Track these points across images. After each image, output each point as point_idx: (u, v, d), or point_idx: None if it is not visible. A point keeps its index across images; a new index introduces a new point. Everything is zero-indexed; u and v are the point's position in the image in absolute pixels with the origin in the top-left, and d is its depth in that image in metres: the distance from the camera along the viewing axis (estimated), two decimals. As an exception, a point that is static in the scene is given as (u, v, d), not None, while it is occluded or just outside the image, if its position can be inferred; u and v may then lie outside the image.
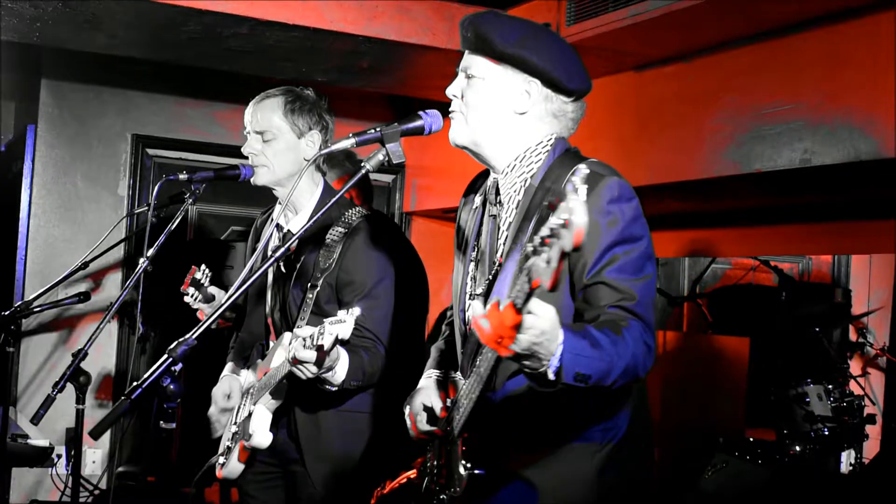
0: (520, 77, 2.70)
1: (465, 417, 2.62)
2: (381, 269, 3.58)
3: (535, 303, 2.09)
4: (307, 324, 3.48)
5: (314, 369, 3.17)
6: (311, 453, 3.60)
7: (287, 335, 3.55)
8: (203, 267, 4.12)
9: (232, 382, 3.81)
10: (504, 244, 2.71)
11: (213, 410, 3.82)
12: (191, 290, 4.10)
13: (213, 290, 4.13)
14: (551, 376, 2.22)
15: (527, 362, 2.22)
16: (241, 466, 3.65)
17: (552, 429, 2.65)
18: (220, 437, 3.82)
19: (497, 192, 2.79)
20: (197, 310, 4.16)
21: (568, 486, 2.64)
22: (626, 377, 2.38)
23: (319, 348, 3.03)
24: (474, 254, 2.86)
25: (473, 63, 2.75)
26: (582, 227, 1.87)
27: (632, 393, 2.67)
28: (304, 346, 3.08)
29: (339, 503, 3.59)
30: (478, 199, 2.91)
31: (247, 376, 3.81)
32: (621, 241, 2.50)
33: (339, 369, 3.29)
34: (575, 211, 1.87)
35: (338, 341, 3.02)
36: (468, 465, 2.61)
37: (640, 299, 2.47)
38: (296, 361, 3.15)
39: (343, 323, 2.98)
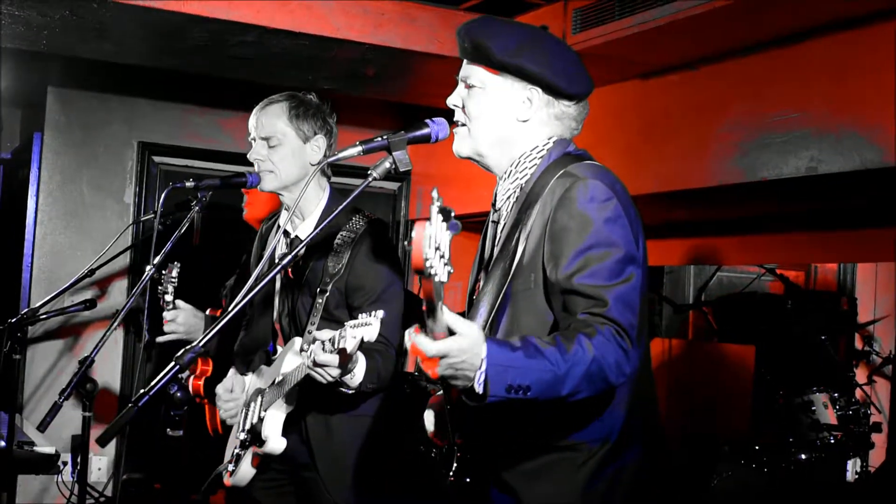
0: (520, 85, 2.69)
1: (449, 424, 2.62)
2: (389, 273, 3.60)
3: (455, 321, 2.13)
4: (317, 329, 3.48)
5: (336, 373, 3.16)
6: (323, 458, 3.60)
7: (297, 340, 3.56)
8: (177, 264, 4.15)
9: (234, 379, 3.82)
10: (496, 251, 2.71)
11: (220, 405, 3.83)
12: (168, 287, 4.14)
13: (179, 303, 4.19)
14: (479, 390, 2.23)
15: (456, 382, 2.24)
16: (253, 472, 3.64)
17: (535, 438, 2.62)
18: (226, 444, 3.83)
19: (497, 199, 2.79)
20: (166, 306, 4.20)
21: (554, 499, 2.60)
22: (593, 384, 2.34)
23: (342, 352, 3.02)
24: (480, 262, 2.86)
25: (472, 73, 2.74)
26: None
27: (627, 394, 2.59)
28: (325, 349, 3.08)
29: None
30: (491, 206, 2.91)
31: (251, 381, 3.81)
32: (594, 245, 2.47)
33: (358, 372, 3.29)
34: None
35: (361, 344, 3.01)
36: (455, 473, 2.61)
37: (613, 304, 2.41)
38: (316, 365, 3.14)
39: (368, 326, 2.96)
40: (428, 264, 1.98)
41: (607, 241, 2.48)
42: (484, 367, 2.20)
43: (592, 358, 2.31)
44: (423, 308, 2.11)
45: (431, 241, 1.99)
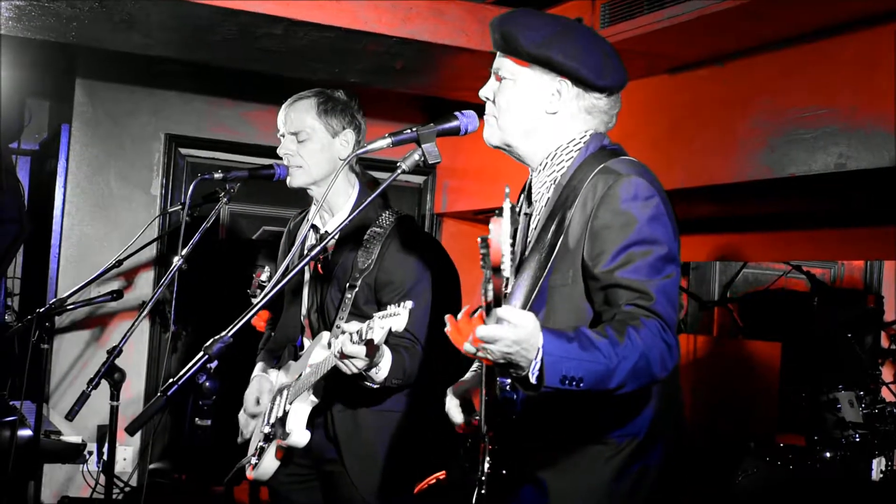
0: (549, 77, 2.69)
1: (483, 415, 2.62)
2: (419, 269, 3.60)
3: (509, 311, 2.12)
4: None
5: (362, 364, 3.18)
6: (350, 452, 3.61)
7: (325, 334, 3.57)
8: (266, 268, 4.14)
9: (262, 384, 3.83)
10: (530, 242, 2.71)
11: (242, 415, 3.85)
12: (257, 291, 4.13)
13: None
14: (533, 381, 2.23)
15: (511, 370, 2.25)
16: (277, 464, 3.65)
17: (568, 430, 2.63)
18: (249, 439, 3.84)
19: (530, 191, 2.79)
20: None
21: (580, 493, 2.61)
22: (638, 378, 2.35)
23: (369, 343, 3.05)
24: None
25: (503, 65, 2.75)
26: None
27: (657, 392, 2.61)
28: (353, 340, 3.09)
29: (378, 502, 3.60)
30: (521, 198, 2.91)
31: (278, 377, 3.82)
32: (637, 242, 2.48)
33: (383, 366, 3.32)
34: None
35: (389, 334, 3.03)
36: (489, 464, 2.60)
37: (658, 298, 2.43)
38: (343, 356, 3.16)
39: (397, 316, 2.98)
40: (504, 262, 2.04)
41: (650, 238, 2.49)
42: (540, 357, 2.21)
43: (640, 353, 2.33)
44: (486, 301, 2.12)
45: (506, 239, 2.02)
